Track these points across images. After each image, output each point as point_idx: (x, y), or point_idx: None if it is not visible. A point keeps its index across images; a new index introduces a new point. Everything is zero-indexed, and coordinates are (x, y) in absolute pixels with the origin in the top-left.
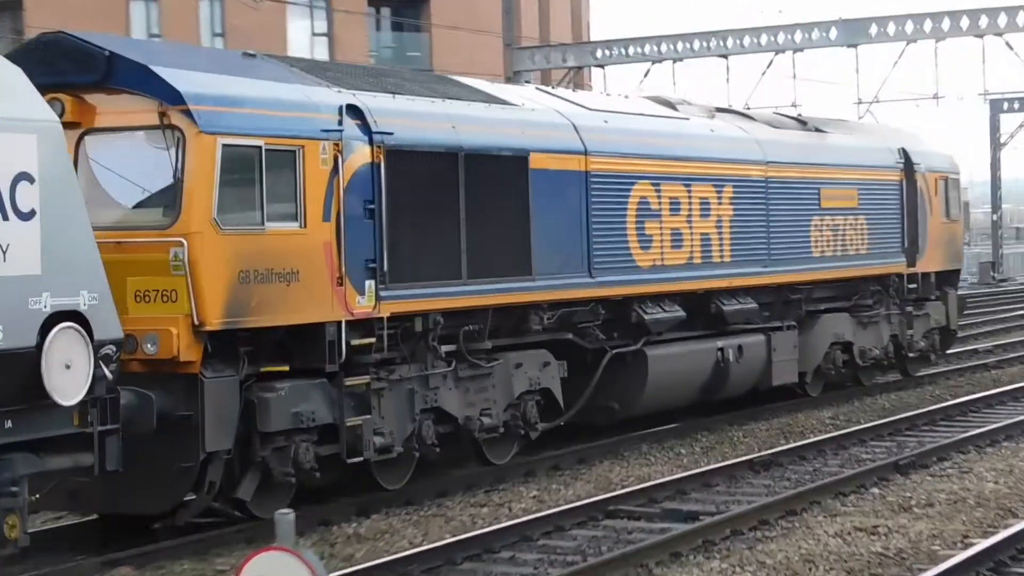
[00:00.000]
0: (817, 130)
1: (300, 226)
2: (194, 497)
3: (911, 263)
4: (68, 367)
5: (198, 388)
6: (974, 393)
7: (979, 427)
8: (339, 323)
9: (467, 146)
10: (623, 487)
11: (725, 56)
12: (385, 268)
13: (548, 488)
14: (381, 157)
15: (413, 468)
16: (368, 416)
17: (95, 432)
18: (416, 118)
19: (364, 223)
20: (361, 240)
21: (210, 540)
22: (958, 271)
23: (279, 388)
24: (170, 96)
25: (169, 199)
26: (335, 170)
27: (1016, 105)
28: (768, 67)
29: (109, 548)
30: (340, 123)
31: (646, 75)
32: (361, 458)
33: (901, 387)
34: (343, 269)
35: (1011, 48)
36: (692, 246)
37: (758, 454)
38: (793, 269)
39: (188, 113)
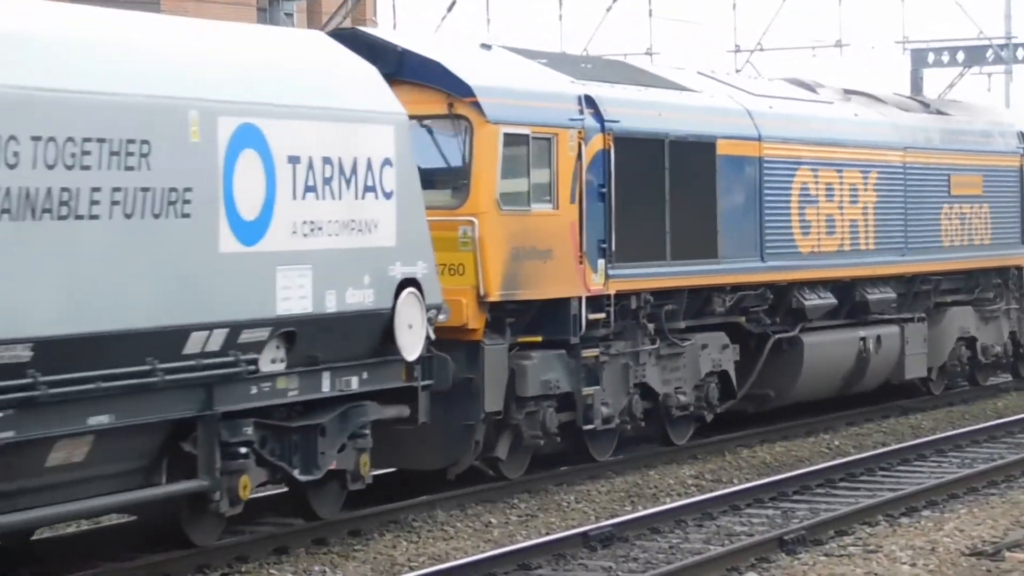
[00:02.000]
0: (939, 112)
1: (553, 208)
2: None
3: None
4: (411, 327)
5: (480, 354)
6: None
7: (892, 490)
8: (580, 298)
9: (671, 133)
10: (411, 569)
11: None
12: (613, 248)
13: (308, 571)
14: (611, 144)
15: (616, 441)
16: (598, 387)
17: (419, 386)
18: (633, 106)
19: (597, 205)
20: (595, 221)
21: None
22: None
23: (534, 357)
24: (460, 89)
25: (457, 181)
26: (579, 156)
27: (944, 57)
28: (614, 1)
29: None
30: (581, 112)
31: (450, 9)
32: (593, 426)
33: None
34: (583, 248)
35: None
36: (843, 233)
37: (595, 525)
38: (926, 259)
39: (477, 105)
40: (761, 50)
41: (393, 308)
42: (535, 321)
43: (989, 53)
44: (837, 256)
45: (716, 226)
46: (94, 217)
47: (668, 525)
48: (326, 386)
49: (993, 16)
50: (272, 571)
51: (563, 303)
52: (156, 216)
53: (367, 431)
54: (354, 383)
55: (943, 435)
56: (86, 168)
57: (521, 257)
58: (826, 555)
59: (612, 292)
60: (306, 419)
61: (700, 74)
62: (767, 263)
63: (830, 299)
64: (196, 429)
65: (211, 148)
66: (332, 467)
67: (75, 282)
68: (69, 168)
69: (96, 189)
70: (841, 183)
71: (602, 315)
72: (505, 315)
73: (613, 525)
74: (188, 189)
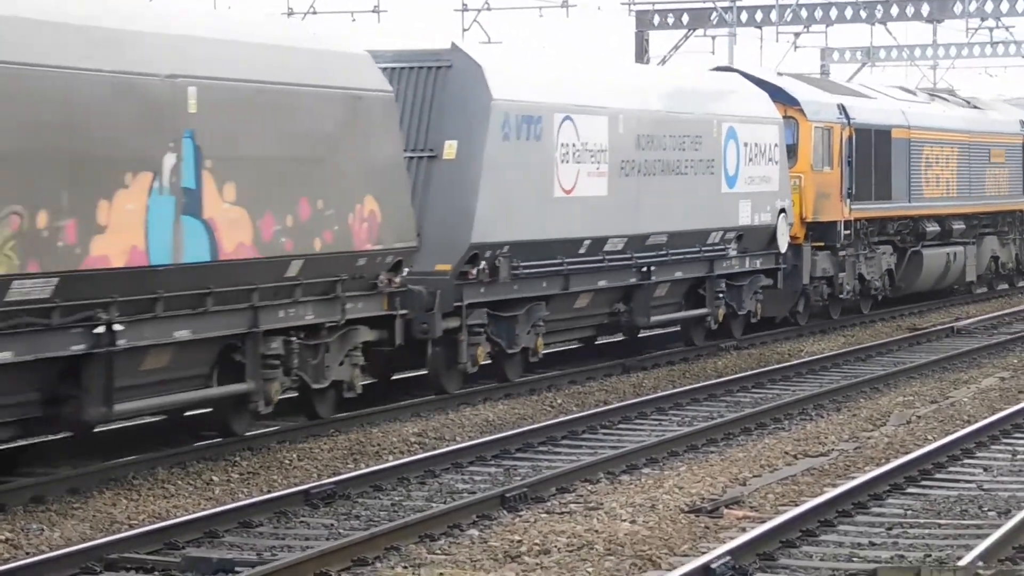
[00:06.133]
0: (975, 107)
1: (831, 169)
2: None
3: None
4: (782, 234)
5: (801, 251)
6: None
7: (614, 447)
8: (841, 221)
9: (874, 126)
10: (131, 527)
11: None
12: (853, 192)
13: (25, 529)
14: (852, 133)
15: (840, 308)
16: (845, 273)
17: (780, 268)
18: (858, 110)
19: (847, 168)
20: (846, 178)
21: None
22: None
23: (819, 254)
24: (792, 102)
25: (792, 154)
26: (840, 139)
27: (669, 19)
28: None
29: None
30: (839, 114)
31: None
32: (843, 295)
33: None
34: (842, 192)
35: None
36: (942, 185)
37: (317, 483)
38: (978, 203)
39: (801, 110)
40: (488, 9)
41: (776, 224)
42: (818, 234)
43: (713, 16)
44: (940, 200)
45: (891, 181)
46: (683, 174)
47: (391, 482)
48: (747, 265)
49: None
50: None
51: (833, 224)
52: (701, 175)
53: (760, 291)
54: (758, 263)
55: (664, 393)
56: (682, 150)
57: (819, 197)
58: (547, 512)
59: (853, 218)
60: (738, 282)
61: (862, 84)
62: (912, 203)
63: (936, 227)
64: (704, 283)
65: (719, 139)
66: (748, 310)
67: (675, 206)
68: (678, 149)
69: (682, 161)
70: (941, 154)
71: (848, 232)
72: (809, 230)
73: (335, 483)
74: (712, 160)
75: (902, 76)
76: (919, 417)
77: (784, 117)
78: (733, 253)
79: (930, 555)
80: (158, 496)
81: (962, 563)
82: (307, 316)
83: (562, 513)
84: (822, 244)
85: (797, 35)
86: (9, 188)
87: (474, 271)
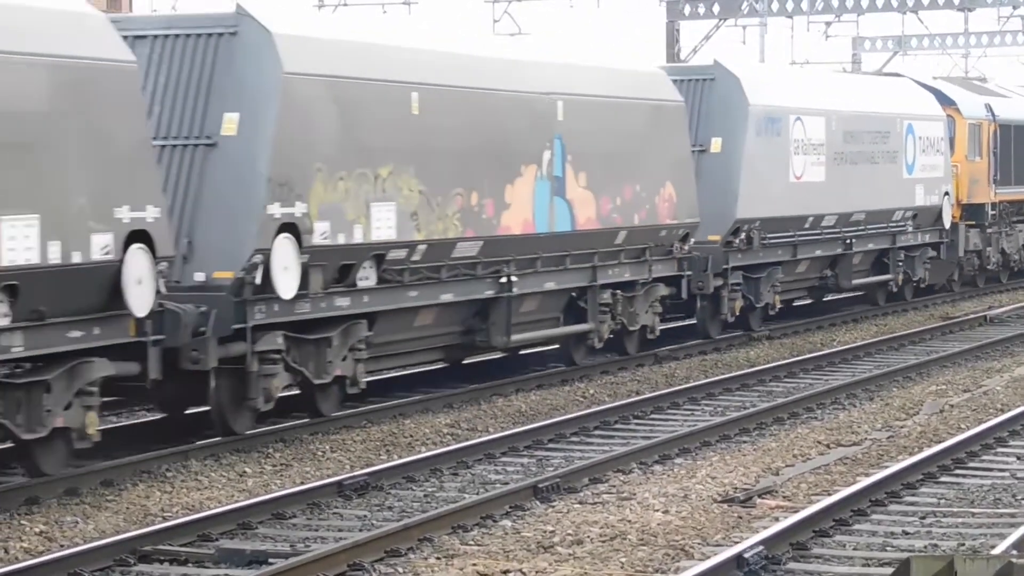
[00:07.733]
0: None
1: (980, 158)
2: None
3: None
4: (946, 213)
5: (957, 228)
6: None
7: (646, 438)
8: (988, 203)
9: (1013, 121)
10: (164, 519)
11: None
12: (997, 177)
13: (60, 521)
14: (997, 128)
15: (985, 278)
16: (991, 247)
17: (943, 242)
18: (1001, 108)
19: (992, 157)
20: (992, 165)
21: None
22: None
23: (971, 231)
24: (949, 103)
25: (950, 146)
26: (987, 133)
27: (700, 9)
28: None
29: None
30: (986, 112)
31: None
32: (990, 266)
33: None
34: (989, 178)
35: None
36: None
37: (350, 474)
38: None
39: (957, 110)
40: (519, 0)
41: (941, 204)
42: (970, 214)
43: (744, 5)
44: None
45: (1011, 167)
46: (876, 163)
47: (423, 474)
48: (919, 239)
49: None
50: (23, 522)
51: (982, 205)
52: (888, 163)
53: (928, 261)
54: (927, 237)
55: (696, 383)
56: (875, 143)
57: (972, 183)
58: (580, 502)
59: (997, 200)
60: (911, 253)
61: (998, 85)
62: (1017, 188)
63: None
64: (887, 254)
65: (901, 133)
66: (919, 276)
67: (871, 189)
68: (872, 143)
69: (875, 152)
70: None
71: (994, 212)
72: (963, 211)
73: (368, 474)
74: (896, 151)
75: (934, 65)
76: (952, 406)
77: (944, 115)
78: (910, 229)
79: (964, 544)
80: (191, 488)
81: (996, 552)
82: (625, 275)
83: (595, 503)
84: (973, 223)
85: (828, 24)
86: (456, 175)
87: (736, 241)
